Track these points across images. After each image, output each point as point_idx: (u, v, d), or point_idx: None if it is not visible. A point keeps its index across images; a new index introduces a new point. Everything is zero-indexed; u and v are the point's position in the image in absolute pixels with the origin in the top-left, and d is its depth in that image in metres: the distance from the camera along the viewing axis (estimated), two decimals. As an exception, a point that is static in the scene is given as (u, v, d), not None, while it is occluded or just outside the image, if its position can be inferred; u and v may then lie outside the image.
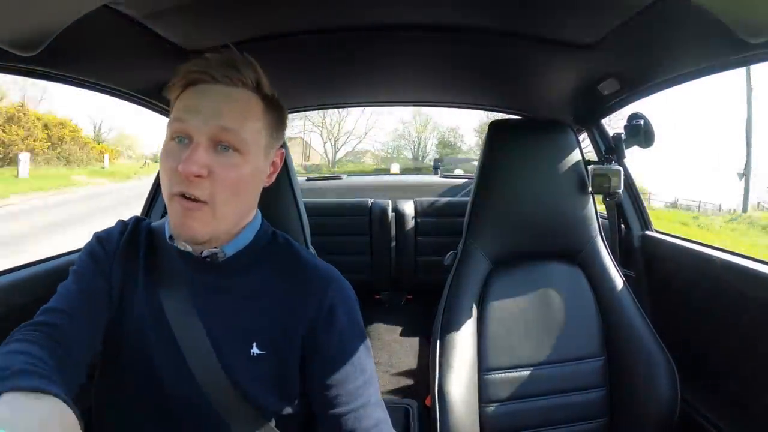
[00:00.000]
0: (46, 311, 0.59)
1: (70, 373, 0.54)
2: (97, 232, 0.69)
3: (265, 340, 0.63)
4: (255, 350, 0.63)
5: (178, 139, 0.58)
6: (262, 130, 0.62)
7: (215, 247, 0.64)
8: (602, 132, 1.35)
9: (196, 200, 0.57)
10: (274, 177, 0.70)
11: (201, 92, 0.59)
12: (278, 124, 0.67)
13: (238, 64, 0.61)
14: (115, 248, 0.67)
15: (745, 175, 14.62)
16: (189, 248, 0.65)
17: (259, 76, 0.62)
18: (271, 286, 0.66)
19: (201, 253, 0.65)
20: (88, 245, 0.68)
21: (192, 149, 0.56)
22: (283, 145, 0.87)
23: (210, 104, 0.58)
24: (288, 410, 0.67)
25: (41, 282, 0.89)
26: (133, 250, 0.67)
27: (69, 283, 0.64)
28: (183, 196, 0.57)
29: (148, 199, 1.30)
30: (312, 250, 0.95)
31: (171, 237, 0.66)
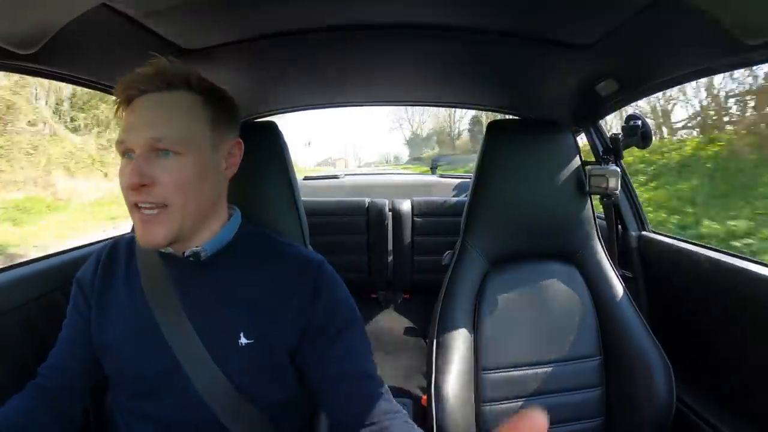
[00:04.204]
0: (42, 370, 0.69)
1: (64, 425, 0.66)
2: (77, 274, 0.74)
3: (253, 329, 0.65)
4: (243, 340, 0.64)
5: (127, 155, 0.62)
6: (202, 125, 0.64)
7: (196, 247, 0.67)
8: (600, 133, 1.35)
9: (153, 207, 0.60)
10: (235, 168, 0.71)
11: (134, 109, 0.62)
12: (225, 117, 0.68)
13: (163, 69, 0.63)
14: (91, 280, 0.71)
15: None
16: (170, 250, 0.67)
17: (187, 76, 0.64)
18: (256, 277, 0.68)
19: (183, 253, 0.67)
20: (72, 291, 0.73)
21: (133, 162, 0.59)
22: (281, 138, 0.90)
23: (141, 117, 0.61)
24: (279, 398, 0.68)
25: (41, 281, 0.89)
26: (112, 269, 0.72)
27: (62, 333, 0.72)
28: (137, 206, 0.60)
29: None
30: (311, 249, 0.94)
31: None
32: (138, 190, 0.59)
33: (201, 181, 0.63)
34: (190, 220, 0.63)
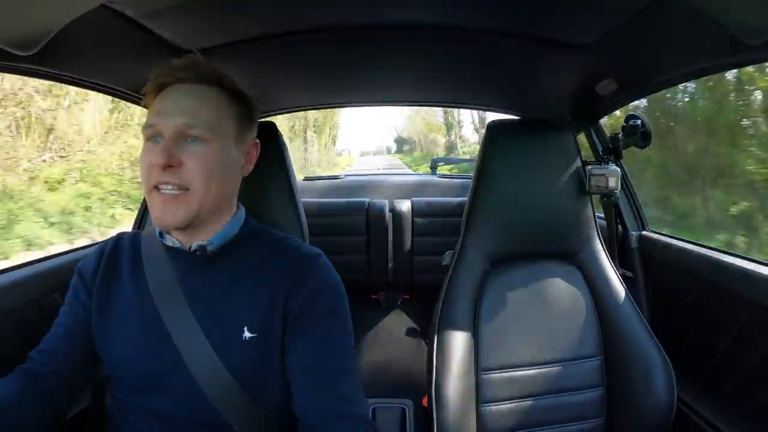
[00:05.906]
0: (34, 354, 0.68)
1: (50, 412, 0.64)
2: (78, 264, 0.74)
3: (255, 323, 0.65)
4: (246, 334, 0.65)
5: (153, 139, 0.64)
6: (228, 120, 0.67)
7: (203, 240, 0.68)
8: (600, 132, 1.35)
9: (174, 188, 0.62)
10: (251, 167, 0.74)
11: (167, 94, 0.65)
12: (247, 116, 0.72)
13: (199, 63, 0.67)
14: (94, 271, 0.71)
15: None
16: (177, 243, 0.69)
17: (220, 73, 0.68)
18: (257, 271, 0.69)
19: (190, 247, 0.68)
20: (72, 280, 0.73)
21: (162, 144, 0.62)
22: (281, 138, 0.92)
23: (175, 103, 0.64)
24: (280, 394, 0.68)
25: (40, 283, 0.89)
26: (115, 263, 0.72)
27: (58, 319, 0.71)
28: (158, 188, 0.62)
29: (138, 214, 1.30)
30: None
31: (161, 233, 0.70)
32: (163, 169, 0.60)
33: (223, 171, 0.66)
34: (207, 207, 0.65)
